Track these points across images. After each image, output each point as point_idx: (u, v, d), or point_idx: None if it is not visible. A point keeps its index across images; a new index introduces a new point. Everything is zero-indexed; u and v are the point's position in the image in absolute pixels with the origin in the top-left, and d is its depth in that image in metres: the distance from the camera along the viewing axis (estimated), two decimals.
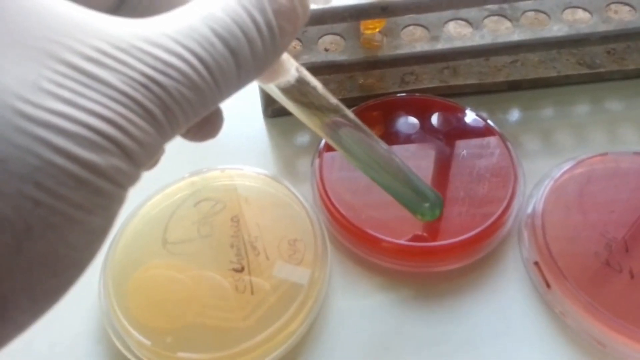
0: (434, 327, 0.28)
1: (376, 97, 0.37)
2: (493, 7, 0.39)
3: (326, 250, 0.30)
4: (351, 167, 0.33)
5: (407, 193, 0.26)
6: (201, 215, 0.31)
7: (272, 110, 0.39)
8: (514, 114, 0.38)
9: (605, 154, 0.33)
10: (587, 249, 0.28)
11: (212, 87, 0.14)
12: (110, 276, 0.29)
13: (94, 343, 0.29)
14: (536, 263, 0.29)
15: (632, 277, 0.27)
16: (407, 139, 0.35)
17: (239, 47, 0.14)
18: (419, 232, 0.30)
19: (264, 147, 0.38)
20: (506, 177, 0.32)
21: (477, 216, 0.30)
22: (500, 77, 0.39)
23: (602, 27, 0.36)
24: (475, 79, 0.38)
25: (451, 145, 0.34)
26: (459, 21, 0.38)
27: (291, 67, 0.20)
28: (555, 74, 0.39)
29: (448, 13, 0.38)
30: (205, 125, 0.21)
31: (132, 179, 0.14)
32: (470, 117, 0.35)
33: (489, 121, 0.35)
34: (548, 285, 0.28)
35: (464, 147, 0.34)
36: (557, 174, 0.32)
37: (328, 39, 0.38)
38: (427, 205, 0.26)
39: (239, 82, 0.15)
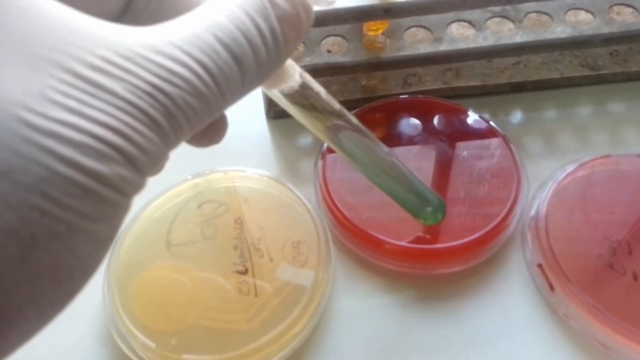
0: (437, 329, 0.28)
1: (379, 98, 0.37)
2: (496, 8, 0.39)
3: (329, 252, 0.30)
4: (354, 169, 0.33)
5: (410, 197, 0.26)
6: (204, 217, 0.31)
7: (275, 112, 0.39)
8: (517, 116, 0.38)
9: (608, 156, 0.33)
10: (591, 251, 0.28)
11: (217, 95, 0.14)
12: (114, 278, 0.29)
13: (98, 345, 0.29)
14: (540, 265, 0.29)
15: (635, 279, 0.27)
16: (410, 141, 0.35)
17: (243, 55, 0.14)
18: (422, 234, 0.30)
19: (267, 149, 0.38)
20: (509, 179, 0.32)
21: (480, 218, 0.30)
22: (503, 79, 0.39)
23: (605, 29, 0.36)
24: (478, 81, 0.38)
25: (454, 147, 0.34)
26: (462, 23, 0.38)
27: (295, 73, 0.20)
28: (557, 76, 0.39)
29: (451, 15, 0.38)
30: (210, 131, 0.21)
31: (137, 187, 0.14)
32: (473, 118, 0.35)
33: (492, 123, 0.35)
34: (552, 288, 0.28)
35: (466, 149, 0.34)
36: (560, 176, 0.32)
37: (330, 40, 0.38)
38: (429, 209, 0.26)
39: (243, 89, 0.15)
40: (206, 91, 0.14)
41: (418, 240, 0.30)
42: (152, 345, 0.26)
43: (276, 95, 0.21)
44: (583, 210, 0.30)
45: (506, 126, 0.37)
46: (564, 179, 0.32)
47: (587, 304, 0.26)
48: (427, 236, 0.30)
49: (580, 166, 0.32)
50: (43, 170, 0.11)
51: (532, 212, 0.31)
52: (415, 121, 0.35)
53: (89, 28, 0.13)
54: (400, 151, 0.34)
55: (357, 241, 0.30)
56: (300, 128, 0.37)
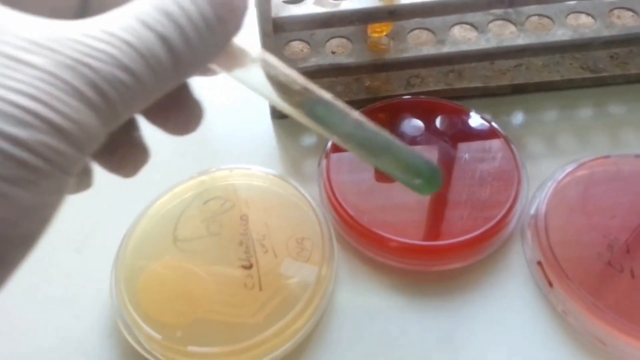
0: (438, 325, 0.29)
1: (382, 99, 0.38)
2: (498, 11, 0.39)
3: (333, 248, 0.31)
4: (358, 168, 0.33)
5: (398, 168, 0.23)
6: (210, 214, 0.32)
7: (280, 112, 0.39)
8: (518, 117, 0.39)
9: (608, 156, 0.33)
10: (590, 249, 0.29)
11: (147, 72, 0.15)
12: (121, 272, 0.29)
13: (105, 337, 0.29)
14: (539, 263, 0.30)
15: (633, 277, 0.28)
16: (413, 141, 0.35)
17: (168, 33, 0.15)
18: (424, 231, 0.30)
19: (271, 148, 0.38)
20: (510, 178, 0.32)
21: (481, 216, 0.30)
22: (505, 81, 0.39)
23: (606, 32, 0.37)
24: (480, 82, 0.39)
25: (456, 147, 0.35)
26: (464, 25, 0.39)
27: (252, 54, 0.20)
28: (558, 78, 0.39)
29: (453, 17, 0.39)
30: (182, 115, 0.21)
31: (70, 158, 0.14)
32: (475, 119, 0.36)
33: (494, 124, 0.35)
34: (550, 285, 0.29)
35: (468, 149, 0.34)
36: (560, 176, 0.32)
37: (335, 42, 0.39)
38: (418, 182, 0.23)
39: (178, 68, 0.16)
40: (134, 66, 0.15)
41: (420, 237, 0.30)
42: (158, 337, 0.27)
43: (239, 78, 0.20)
44: (582, 209, 0.31)
45: (507, 127, 0.37)
46: (563, 178, 0.32)
47: (585, 300, 0.27)
48: (429, 233, 0.30)
49: (580, 166, 0.33)
50: None
51: (532, 211, 0.32)
52: (418, 122, 0.36)
53: (16, 19, 0.14)
54: None
55: (359, 238, 0.31)
56: (304, 128, 0.38)
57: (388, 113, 0.37)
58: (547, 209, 0.31)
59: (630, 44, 0.38)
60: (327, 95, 0.22)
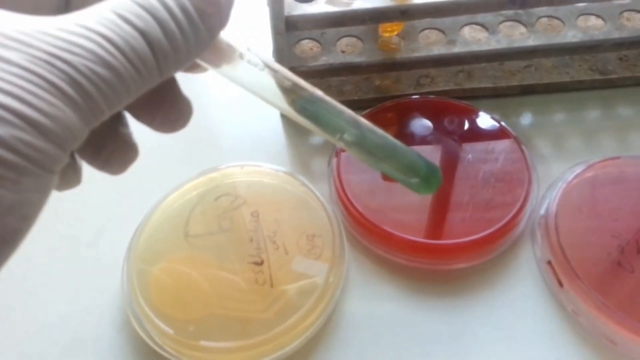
0: (447, 323, 0.29)
1: (392, 98, 0.38)
2: (508, 12, 0.39)
3: (343, 245, 0.31)
4: (368, 166, 0.33)
5: (394, 167, 0.24)
6: (221, 210, 0.32)
7: None
8: (527, 118, 0.39)
9: (617, 157, 0.33)
10: (599, 249, 0.29)
11: (127, 67, 0.15)
12: (133, 267, 0.29)
13: (117, 332, 0.29)
14: (549, 262, 0.30)
15: None
16: (422, 141, 0.35)
17: (148, 28, 0.15)
18: (435, 230, 0.31)
19: (281, 146, 0.38)
20: (521, 179, 0.32)
21: (491, 216, 0.31)
22: (514, 82, 0.39)
23: (615, 34, 0.37)
24: (490, 83, 0.39)
25: (466, 147, 0.35)
26: (475, 26, 0.39)
27: (238, 50, 0.19)
28: (568, 80, 0.39)
29: (464, 18, 0.39)
30: (169, 113, 0.21)
31: (49, 155, 0.14)
32: (485, 119, 0.36)
33: (504, 124, 0.35)
34: (560, 284, 0.29)
35: (479, 149, 0.34)
36: (570, 176, 0.32)
37: (345, 41, 0.39)
38: (414, 181, 0.24)
39: (160, 64, 0.16)
40: (113, 61, 0.14)
41: (430, 235, 0.30)
42: (170, 331, 0.27)
43: (227, 75, 0.20)
44: (592, 209, 0.31)
45: (516, 128, 0.37)
46: (573, 179, 0.32)
47: (596, 300, 0.27)
48: (439, 232, 0.31)
49: (589, 167, 0.33)
50: None
51: (542, 211, 0.32)
52: (427, 121, 0.36)
53: None
54: None
55: (370, 236, 0.31)
56: None
57: (397, 112, 0.37)
58: (557, 209, 0.31)
59: None
60: (318, 92, 0.21)
